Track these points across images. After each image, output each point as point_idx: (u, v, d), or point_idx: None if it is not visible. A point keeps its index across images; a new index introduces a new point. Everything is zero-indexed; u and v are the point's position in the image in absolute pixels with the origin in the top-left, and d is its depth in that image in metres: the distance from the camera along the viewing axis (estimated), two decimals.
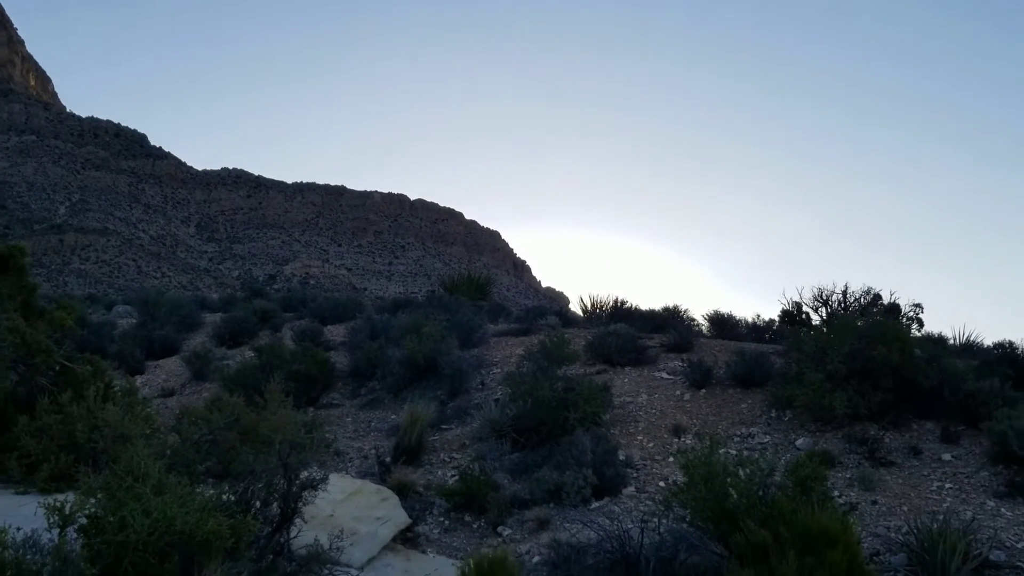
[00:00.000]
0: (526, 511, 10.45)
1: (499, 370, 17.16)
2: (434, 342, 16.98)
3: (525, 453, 12.41)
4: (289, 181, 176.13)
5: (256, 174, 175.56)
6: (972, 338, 17.22)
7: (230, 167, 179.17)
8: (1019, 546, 8.78)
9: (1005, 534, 9.08)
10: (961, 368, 13.55)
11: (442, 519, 10.72)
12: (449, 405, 15.39)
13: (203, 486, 7.91)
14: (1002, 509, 9.85)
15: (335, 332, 23.24)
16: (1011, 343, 15.33)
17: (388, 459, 12.55)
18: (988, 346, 16.15)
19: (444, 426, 14.44)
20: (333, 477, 10.98)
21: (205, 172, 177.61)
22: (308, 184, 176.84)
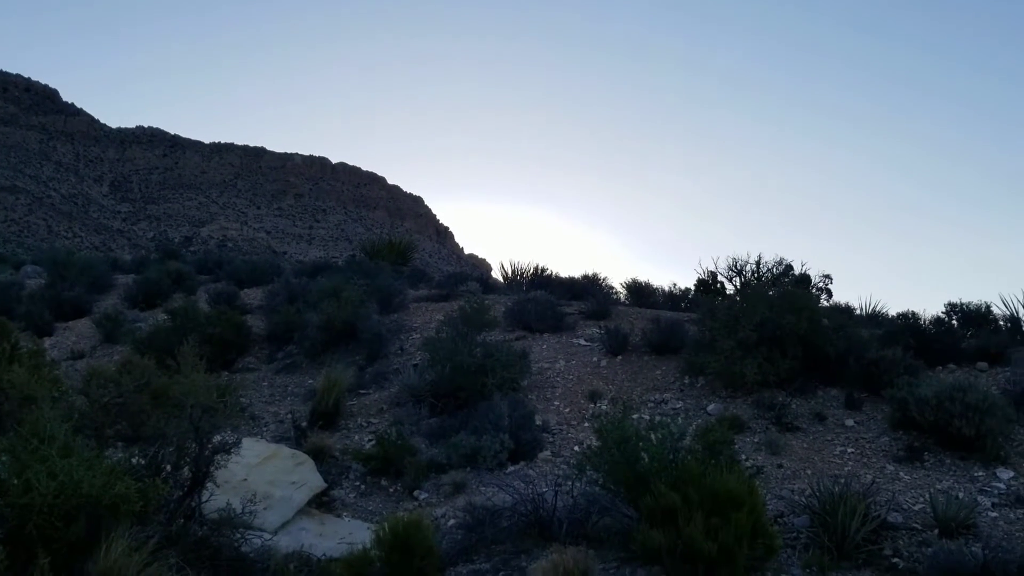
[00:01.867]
0: (443, 475, 10.51)
1: (418, 335, 17.14)
2: (353, 307, 16.86)
3: (443, 418, 12.45)
4: (207, 141, 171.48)
5: (172, 133, 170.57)
6: (878, 308, 17.78)
7: (145, 125, 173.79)
8: (916, 508, 9.16)
9: (903, 497, 9.46)
10: (866, 337, 14.01)
11: (358, 483, 10.72)
12: (367, 370, 15.33)
13: (112, 450, 7.77)
14: (901, 473, 10.25)
15: (252, 296, 22.88)
16: (914, 314, 15.86)
17: (304, 424, 12.47)
18: (892, 316, 16.68)
19: (362, 391, 14.39)
20: (248, 441, 10.88)
21: (119, 130, 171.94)
22: (226, 144, 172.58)
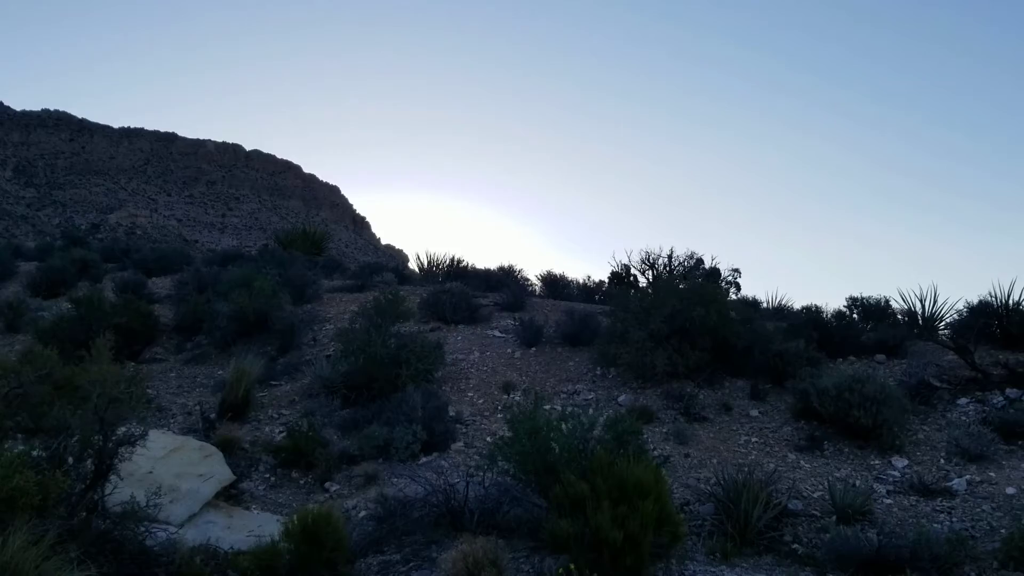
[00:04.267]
0: (354, 467, 10.45)
1: (332, 326, 17.00)
2: (265, 297, 16.62)
3: (356, 409, 12.38)
4: (115, 125, 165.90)
5: (80, 117, 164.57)
6: (784, 302, 18.32)
7: (51, 108, 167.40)
8: (815, 495, 9.48)
9: (803, 484, 9.79)
10: (771, 330, 14.41)
11: (268, 476, 10.59)
12: (279, 361, 15.15)
13: (12, 442, 7.54)
14: (801, 461, 10.58)
15: (160, 284, 22.37)
16: (817, 307, 16.38)
17: (213, 415, 12.25)
18: (797, 310, 17.20)
19: (273, 382, 14.21)
20: (154, 433, 10.64)
21: (24, 113, 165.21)
22: (136, 130, 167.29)
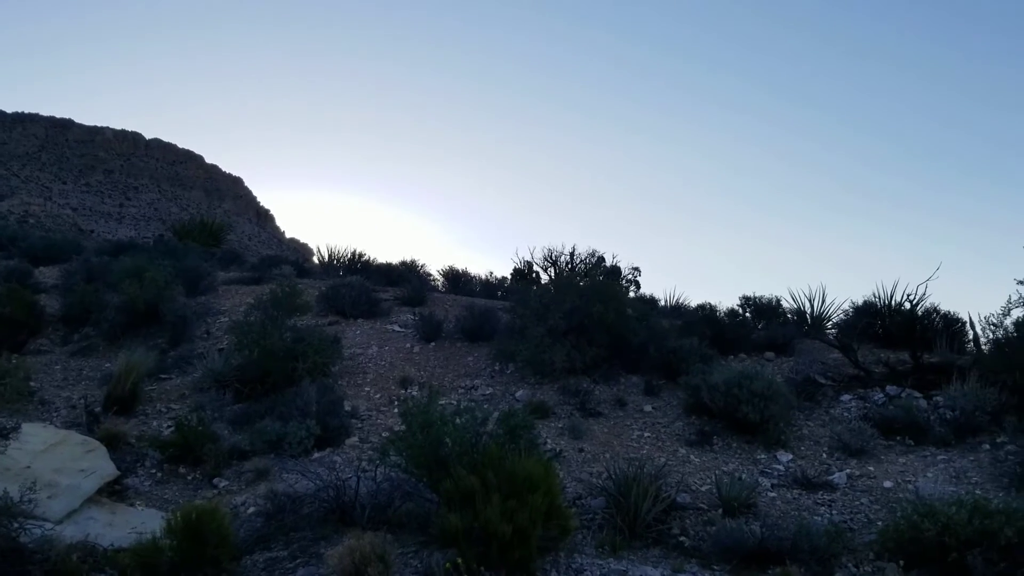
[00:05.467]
0: (245, 462, 10.27)
1: (227, 319, 16.65)
2: (157, 288, 16.18)
3: (248, 404, 12.16)
4: (8, 110, 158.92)
5: None
6: (681, 300, 18.68)
7: None
8: (703, 489, 9.69)
9: (692, 478, 10.00)
10: (666, 327, 14.69)
11: (155, 471, 10.31)
12: (170, 354, 14.75)
13: None
14: (691, 456, 10.81)
15: (48, 274, 21.53)
16: (712, 305, 16.79)
17: (98, 409, 11.86)
18: (693, 308, 17.57)
19: (163, 376, 13.83)
20: (34, 427, 10.28)
21: None
22: (30, 115, 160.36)
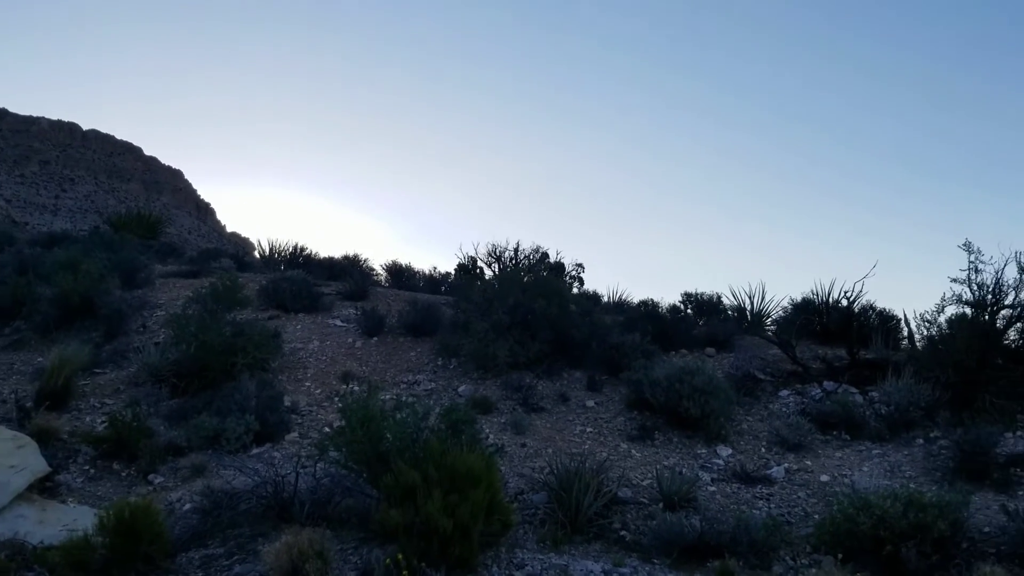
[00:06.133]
0: (181, 458, 10.08)
1: (164, 313, 16.30)
2: (92, 280, 15.79)
3: (185, 399, 11.94)
4: None
5: None
6: (623, 296, 18.80)
7: None
8: (644, 484, 9.74)
9: (633, 473, 10.04)
10: (609, 323, 14.76)
11: (88, 467, 10.06)
12: (105, 348, 14.41)
13: None
14: (633, 451, 10.87)
15: None
16: (654, 302, 16.93)
17: (29, 404, 11.53)
18: (635, 304, 17.69)
19: (98, 370, 13.50)
20: None
21: None
22: None
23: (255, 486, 8.30)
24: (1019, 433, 10.83)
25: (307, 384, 13.11)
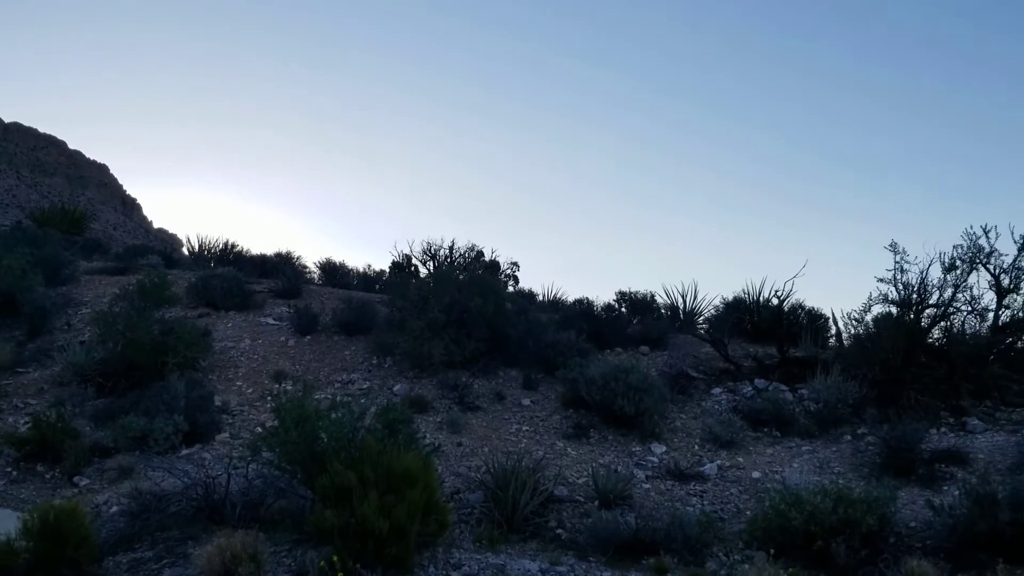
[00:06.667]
0: (108, 460, 9.90)
1: (89, 310, 15.89)
2: (13, 277, 15.33)
3: (112, 399, 11.69)
4: None
5: None
6: (559, 295, 18.86)
7: None
8: (580, 481, 9.79)
9: (569, 471, 10.09)
10: (545, 321, 14.79)
11: (10, 470, 9.81)
12: (28, 347, 14.03)
13: None
14: (569, 449, 10.91)
15: None
16: (589, 300, 17.03)
17: None
18: (571, 302, 17.77)
19: (20, 369, 13.13)
20: None
21: None
22: None
23: (185, 488, 8.16)
24: (943, 429, 11.15)
25: (238, 383, 12.90)
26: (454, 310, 13.54)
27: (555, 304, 18.45)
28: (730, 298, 16.27)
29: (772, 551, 7.48)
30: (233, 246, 22.11)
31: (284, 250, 22.28)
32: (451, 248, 19.23)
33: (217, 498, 7.91)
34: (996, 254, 12.36)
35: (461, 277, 15.14)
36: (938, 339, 12.66)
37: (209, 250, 22.05)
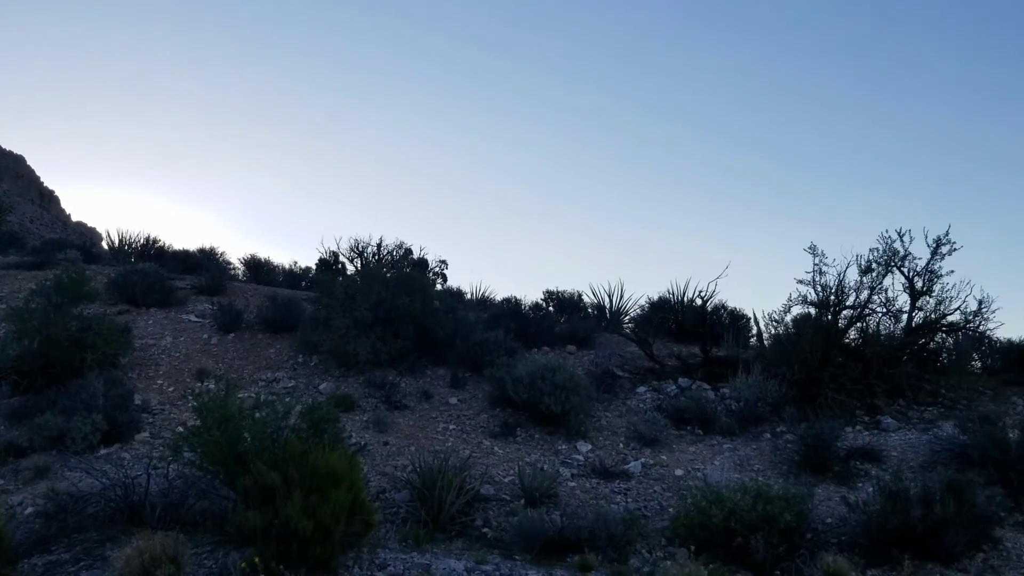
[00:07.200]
0: (23, 459, 9.63)
1: (5, 306, 15.41)
2: None
3: (27, 397, 11.38)
4: None
5: None
6: (487, 293, 18.90)
7: None
8: (506, 480, 9.83)
9: (496, 470, 10.13)
10: (472, 320, 14.82)
11: None
12: None
13: None
14: (495, 448, 10.95)
15: None
16: (516, 299, 17.11)
17: None
18: (499, 301, 17.83)
19: None
20: None
21: None
22: None
23: (103, 488, 7.97)
24: (858, 428, 11.49)
25: (159, 382, 12.65)
26: (381, 308, 13.47)
27: (483, 303, 18.48)
28: (655, 298, 16.54)
29: (694, 548, 7.64)
30: (155, 241, 21.60)
31: (208, 246, 21.86)
32: (379, 246, 19.10)
33: (136, 499, 7.76)
34: (910, 257, 12.79)
35: (388, 275, 15.07)
36: (854, 340, 13.04)
37: (130, 245, 21.50)
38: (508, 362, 12.42)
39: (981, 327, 13.02)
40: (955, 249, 12.65)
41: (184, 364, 13.35)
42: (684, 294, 15.83)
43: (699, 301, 15.21)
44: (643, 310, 16.77)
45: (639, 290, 33.50)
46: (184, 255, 20.97)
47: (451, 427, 11.57)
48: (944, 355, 13.58)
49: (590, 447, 11.15)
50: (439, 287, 17.95)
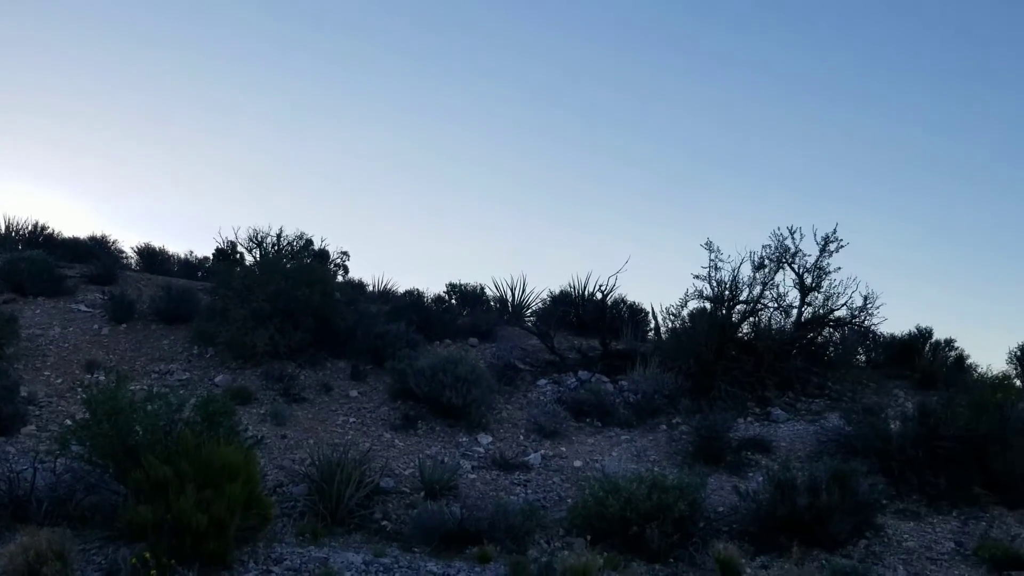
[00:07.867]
0: None
1: None
2: None
3: None
4: None
5: None
6: (389, 285, 18.76)
7: None
8: (407, 473, 9.83)
9: (396, 463, 10.11)
10: (374, 312, 14.71)
11: None
12: None
13: None
14: (396, 441, 10.92)
15: None
16: (419, 291, 17.06)
17: None
18: (401, 293, 17.74)
19: None
20: None
21: None
22: None
23: None
24: (750, 419, 11.86)
25: (47, 373, 12.20)
26: (280, 299, 13.24)
27: (385, 295, 18.34)
28: (557, 292, 16.70)
29: (590, 537, 7.76)
30: (43, 228, 20.72)
31: (99, 234, 21.07)
32: (279, 236, 18.76)
33: (22, 494, 7.56)
34: (800, 254, 13.25)
35: (288, 266, 14.82)
36: (747, 334, 13.44)
37: (16, 232, 20.59)
38: (410, 354, 12.36)
39: (866, 322, 13.59)
40: (842, 246, 13.21)
41: (73, 355, 12.90)
42: (585, 288, 16.05)
43: (599, 295, 15.44)
44: (545, 304, 16.93)
45: (541, 284, 33.66)
46: (74, 243, 20.15)
47: (351, 420, 11.48)
48: (831, 349, 14.08)
49: (491, 439, 11.22)
50: (340, 278, 17.74)
